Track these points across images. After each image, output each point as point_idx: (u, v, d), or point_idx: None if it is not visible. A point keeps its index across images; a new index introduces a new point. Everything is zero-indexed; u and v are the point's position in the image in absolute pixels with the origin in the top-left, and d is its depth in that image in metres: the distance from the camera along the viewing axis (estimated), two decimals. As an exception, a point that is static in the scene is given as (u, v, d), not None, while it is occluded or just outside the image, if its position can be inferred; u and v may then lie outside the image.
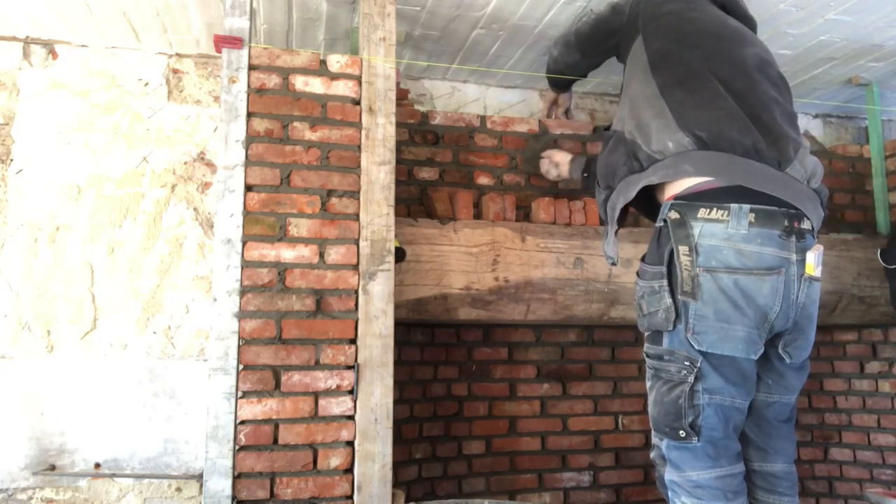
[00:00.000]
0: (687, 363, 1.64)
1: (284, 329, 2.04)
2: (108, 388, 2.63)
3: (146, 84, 2.84)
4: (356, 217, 2.14)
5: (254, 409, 1.99)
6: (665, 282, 1.67)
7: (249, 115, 2.11)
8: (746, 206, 1.61)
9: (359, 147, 2.17)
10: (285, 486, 1.98)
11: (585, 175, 2.38)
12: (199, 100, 2.87)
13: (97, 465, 2.59)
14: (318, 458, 2.01)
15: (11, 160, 2.68)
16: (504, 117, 2.93)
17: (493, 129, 2.88)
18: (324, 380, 2.04)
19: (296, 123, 2.14)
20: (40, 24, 2.64)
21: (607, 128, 2.00)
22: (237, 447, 1.96)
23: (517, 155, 2.87)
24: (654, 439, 1.76)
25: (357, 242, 2.12)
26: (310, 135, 2.15)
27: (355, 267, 2.11)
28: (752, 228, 1.61)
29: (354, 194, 2.15)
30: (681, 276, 1.64)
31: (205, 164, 2.82)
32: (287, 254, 2.07)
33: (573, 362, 3.03)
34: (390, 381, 2.07)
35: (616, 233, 1.87)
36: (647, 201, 1.86)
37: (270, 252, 2.06)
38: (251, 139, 2.10)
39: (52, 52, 2.77)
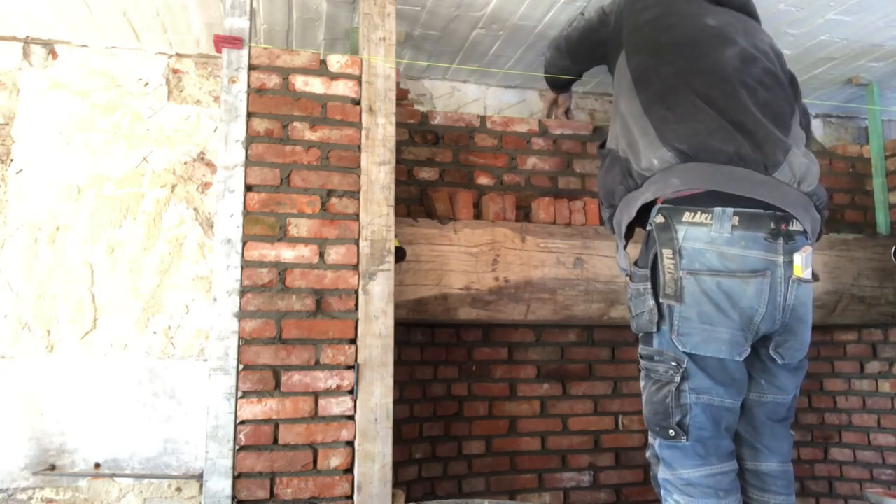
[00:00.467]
0: (673, 363, 1.66)
1: (284, 329, 2.04)
2: (108, 388, 2.63)
3: (146, 84, 2.84)
4: (356, 217, 2.14)
5: (254, 409, 1.99)
6: (649, 284, 1.70)
7: (249, 115, 2.11)
8: (730, 210, 1.63)
9: (359, 147, 2.17)
10: (285, 486, 1.98)
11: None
12: (199, 100, 2.87)
13: (97, 465, 2.59)
14: (318, 458, 2.01)
15: (11, 160, 2.68)
16: (504, 117, 2.93)
17: (493, 129, 2.88)
18: (324, 380, 2.04)
19: (296, 123, 2.14)
20: (40, 24, 2.64)
21: (602, 144, 2.01)
22: (237, 447, 1.96)
23: (517, 155, 2.87)
24: (649, 438, 1.79)
25: (357, 242, 2.12)
26: (310, 135, 2.15)
27: (355, 267, 2.11)
28: (736, 231, 1.62)
29: (354, 194, 2.15)
30: (664, 279, 1.66)
31: (205, 164, 2.82)
32: (287, 254, 2.07)
33: (573, 362, 3.03)
34: (390, 381, 2.07)
35: (625, 247, 1.88)
36: (647, 216, 1.84)
37: (270, 252, 2.06)
38: (251, 139, 2.10)
39: (52, 52, 2.77)
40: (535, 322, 2.62)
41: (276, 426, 2.00)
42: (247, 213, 2.06)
